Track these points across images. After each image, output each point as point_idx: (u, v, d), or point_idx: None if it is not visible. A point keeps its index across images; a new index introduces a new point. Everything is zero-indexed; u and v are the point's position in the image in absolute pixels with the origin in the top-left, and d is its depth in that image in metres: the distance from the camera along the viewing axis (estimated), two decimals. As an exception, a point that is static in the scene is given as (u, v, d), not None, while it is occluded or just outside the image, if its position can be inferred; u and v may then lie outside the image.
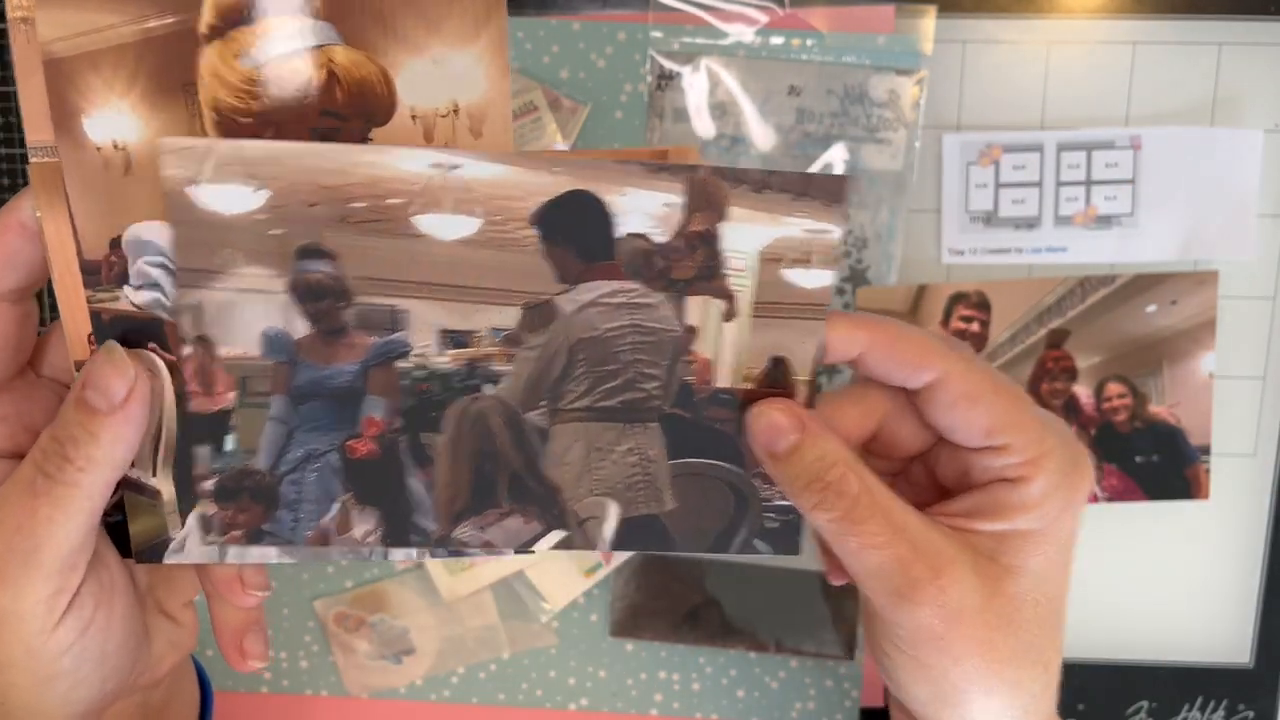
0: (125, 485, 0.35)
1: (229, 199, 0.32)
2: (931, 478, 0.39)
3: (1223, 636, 0.63)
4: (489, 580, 0.62)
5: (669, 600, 0.62)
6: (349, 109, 0.32)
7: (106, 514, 0.35)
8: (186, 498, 0.35)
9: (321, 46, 0.31)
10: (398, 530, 0.35)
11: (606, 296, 0.34)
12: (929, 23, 0.57)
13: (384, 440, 0.35)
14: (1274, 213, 0.59)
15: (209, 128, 0.32)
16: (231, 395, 0.34)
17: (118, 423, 0.32)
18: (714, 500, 0.37)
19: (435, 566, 0.61)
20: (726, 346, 0.35)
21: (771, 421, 0.34)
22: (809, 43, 0.57)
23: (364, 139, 0.32)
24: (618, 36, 0.57)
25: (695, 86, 0.58)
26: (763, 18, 0.57)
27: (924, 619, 0.34)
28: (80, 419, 0.32)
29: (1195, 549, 0.62)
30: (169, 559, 0.35)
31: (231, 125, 0.32)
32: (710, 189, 0.33)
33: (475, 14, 0.32)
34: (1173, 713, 0.64)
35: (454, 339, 0.35)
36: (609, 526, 0.36)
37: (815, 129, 0.58)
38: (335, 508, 0.35)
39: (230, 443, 0.35)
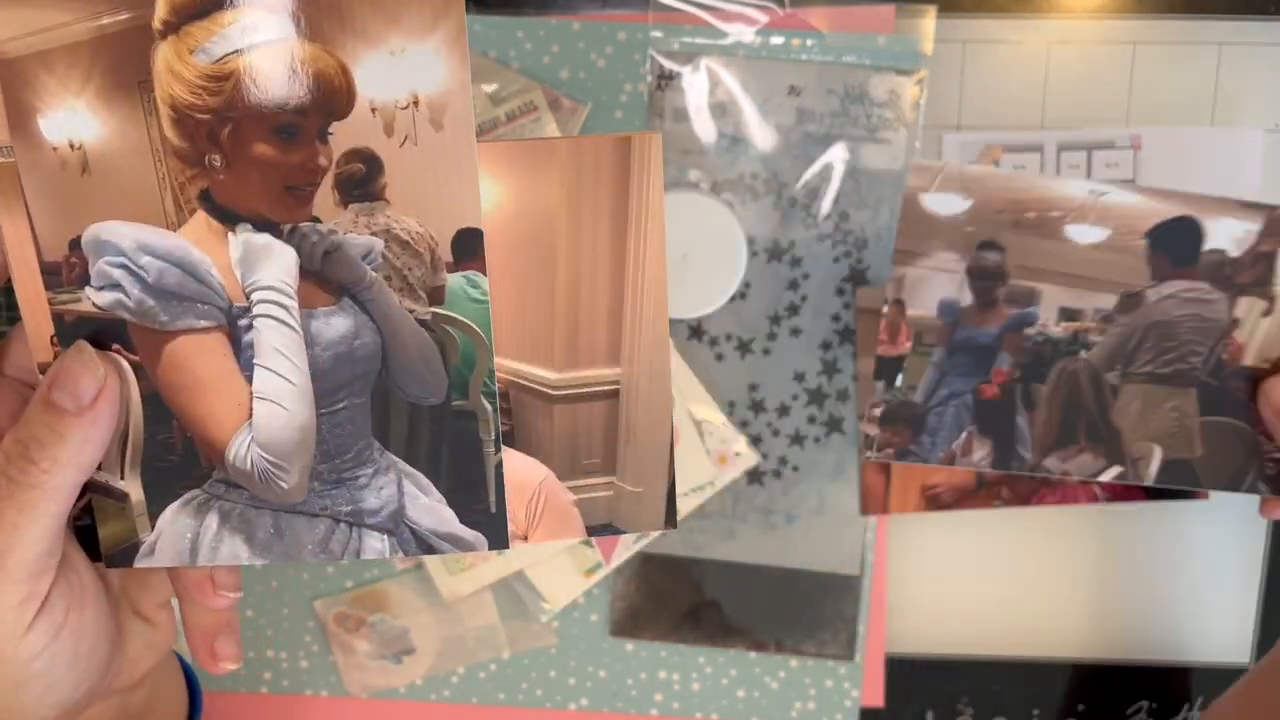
0: (93, 489, 0.34)
1: (946, 204, 0.47)
2: None
3: (1223, 636, 0.63)
4: (489, 580, 0.62)
5: (669, 600, 0.62)
6: (308, 103, 0.32)
7: (75, 517, 0.35)
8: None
9: (278, 41, 0.31)
10: (1004, 456, 0.49)
11: (1183, 291, 0.47)
12: (929, 23, 0.57)
13: (1006, 387, 0.48)
14: (1274, 213, 0.59)
15: (165, 125, 0.32)
16: (908, 345, 0.48)
17: (86, 424, 0.32)
18: (1232, 450, 0.48)
19: (435, 566, 0.61)
20: (1259, 335, 0.48)
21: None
22: (809, 43, 0.57)
23: (324, 132, 0.32)
24: (618, 36, 0.57)
25: (695, 86, 0.58)
26: (763, 18, 0.57)
27: None
28: (47, 420, 0.32)
29: (1195, 549, 0.62)
30: (139, 563, 0.35)
31: (189, 122, 0.32)
32: (1278, 221, 0.46)
33: (433, 5, 0.31)
34: (1173, 713, 0.64)
35: (1068, 314, 0.48)
36: (1154, 466, 0.48)
37: (815, 129, 0.58)
38: (962, 436, 0.48)
39: (899, 380, 0.49)
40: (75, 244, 0.32)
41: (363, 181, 0.33)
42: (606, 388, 0.36)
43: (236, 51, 0.31)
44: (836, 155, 0.58)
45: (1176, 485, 0.49)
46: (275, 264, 0.33)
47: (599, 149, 0.34)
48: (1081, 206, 0.47)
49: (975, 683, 0.64)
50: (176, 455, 0.35)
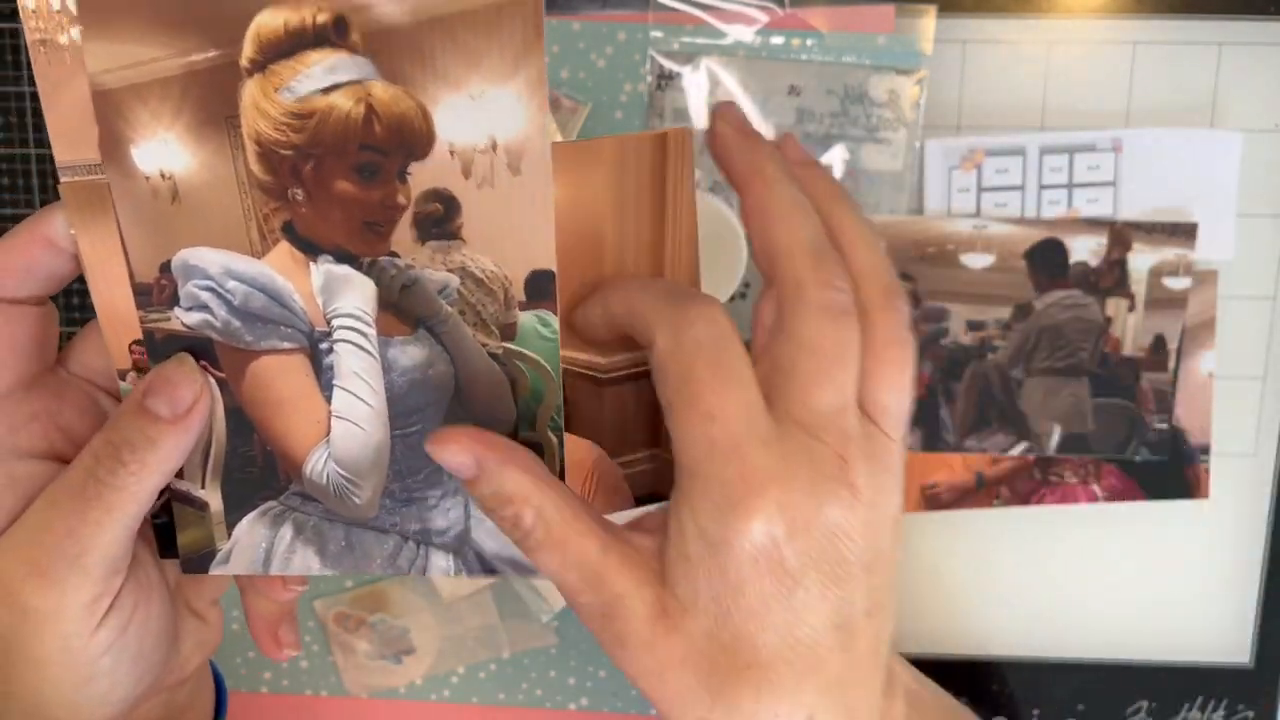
0: (175, 497, 0.36)
1: None
2: None
3: (1223, 636, 0.63)
4: (489, 580, 0.62)
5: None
6: (388, 143, 0.32)
7: (152, 514, 0.36)
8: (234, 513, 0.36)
9: (360, 81, 0.32)
10: (932, 440, 0.60)
11: (1062, 299, 0.58)
12: (929, 23, 0.57)
13: (930, 387, 0.59)
14: (1273, 213, 0.59)
15: (250, 159, 0.33)
16: None
17: (179, 431, 0.33)
18: (1118, 424, 0.60)
19: (435, 566, 0.61)
20: (1130, 328, 0.59)
21: (451, 455, 0.33)
22: (809, 43, 0.57)
23: (403, 172, 0.33)
24: (618, 36, 0.57)
25: (695, 86, 0.58)
26: (763, 18, 0.57)
27: (604, 643, 0.33)
28: (140, 424, 0.33)
29: (1195, 549, 0.62)
30: (214, 569, 0.36)
31: (273, 157, 0.33)
32: (1119, 233, 0.58)
33: (514, 50, 0.32)
34: (1173, 713, 0.64)
35: (973, 325, 0.59)
36: (1054, 440, 0.60)
37: (815, 129, 0.58)
38: None
39: None
40: (165, 267, 0.34)
41: (440, 221, 0.34)
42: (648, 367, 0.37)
43: (320, 91, 0.32)
44: (836, 156, 0.58)
45: (1074, 454, 0.60)
46: (355, 293, 0.34)
47: (640, 147, 0.36)
48: (970, 238, 0.59)
49: (976, 683, 0.64)
50: (256, 468, 0.36)
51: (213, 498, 0.36)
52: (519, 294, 0.35)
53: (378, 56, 0.32)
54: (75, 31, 0.32)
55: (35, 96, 0.59)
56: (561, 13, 0.57)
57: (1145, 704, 0.64)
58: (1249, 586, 0.63)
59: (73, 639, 0.33)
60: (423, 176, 0.33)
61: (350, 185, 0.33)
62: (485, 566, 0.37)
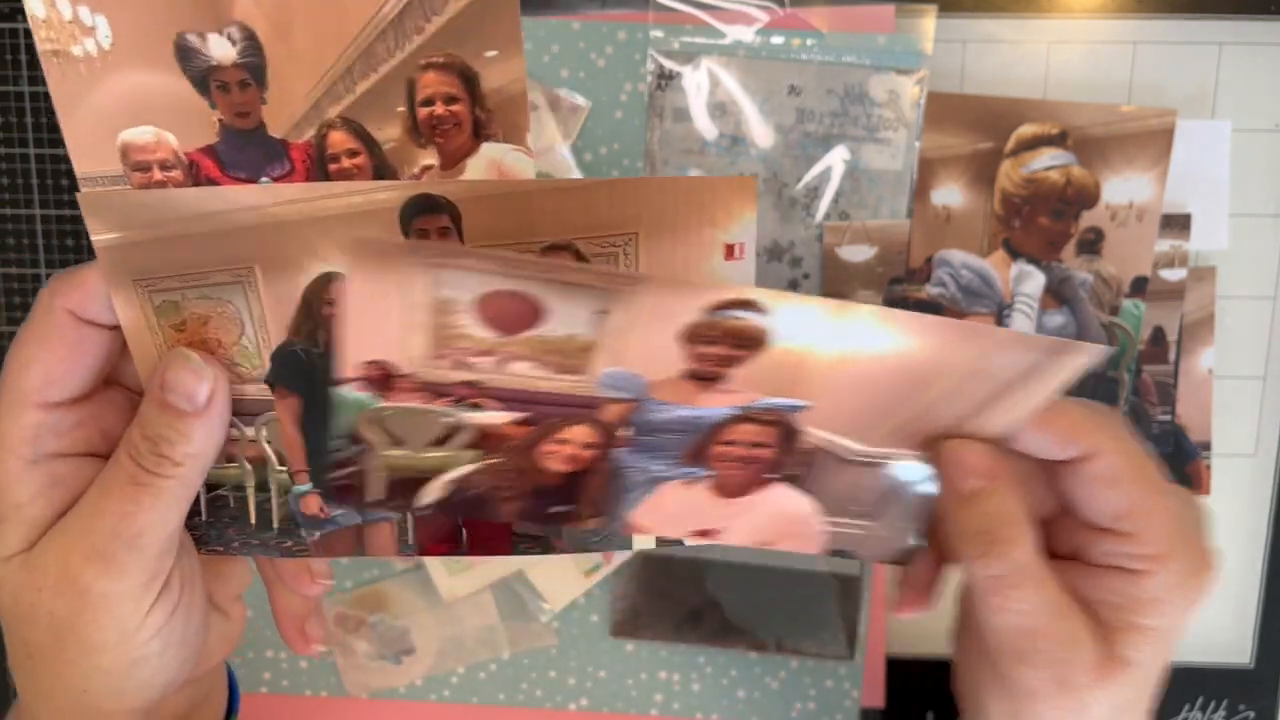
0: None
1: (857, 254, 0.60)
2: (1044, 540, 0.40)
3: (1223, 636, 0.63)
4: (489, 580, 0.62)
5: (669, 600, 0.62)
6: (1070, 200, 0.57)
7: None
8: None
9: (1065, 166, 0.57)
10: None
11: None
12: (929, 23, 0.57)
13: None
14: (1274, 212, 0.59)
15: (996, 204, 0.55)
16: None
17: (205, 421, 0.35)
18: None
19: (435, 566, 0.61)
20: None
21: (975, 458, 0.37)
22: (809, 42, 0.57)
23: (1078, 215, 0.58)
24: (618, 36, 0.57)
25: (695, 86, 0.58)
26: (763, 17, 0.57)
27: (1037, 682, 0.36)
28: (167, 419, 0.34)
29: (1195, 549, 0.62)
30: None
31: (1008, 203, 0.58)
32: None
33: (1151, 155, 0.55)
34: (1173, 713, 0.64)
35: None
36: None
37: (815, 129, 0.58)
38: None
39: None
40: (927, 260, 0.57)
41: (1092, 244, 0.58)
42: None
43: (1047, 169, 0.57)
44: (836, 156, 0.58)
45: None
46: (1032, 283, 0.57)
47: None
48: None
49: (975, 683, 0.64)
50: None
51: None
52: (1125, 289, 0.57)
53: (1078, 151, 0.56)
54: (90, 42, 0.32)
55: (35, 97, 0.59)
56: (561, 13, 0.57)
57: (1145, 704, 0.64)
58: (1249, 586, 0.63)
59: (129, 621, 0.34)
60: (1086, 219, 0.58)
61: (1047, 220, 0.57)
62: None
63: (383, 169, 0.34)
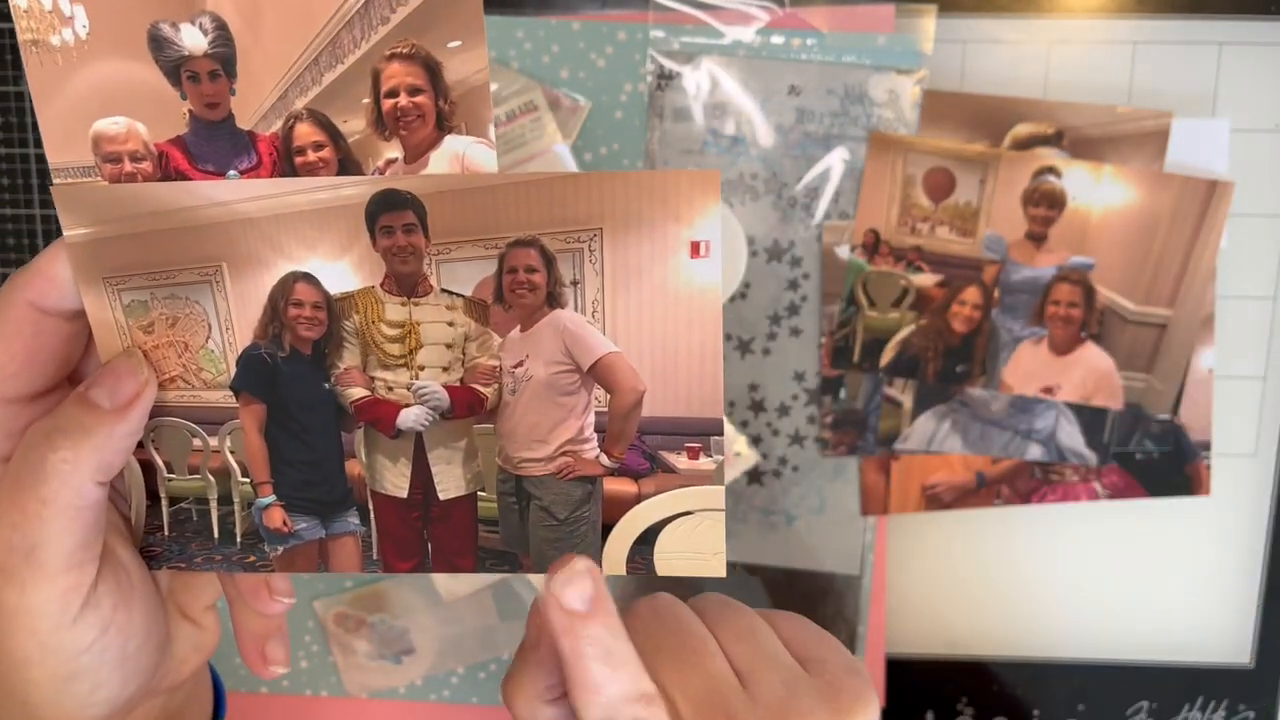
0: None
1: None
2: None
3: (1223, 636, 0.63)
4: (489, 580, 0.62)
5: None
6: None
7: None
8: None
9: None
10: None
11: None
12: (929, 23, 0.57)
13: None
14: (1274, 213, 0.59)
15: None
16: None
17: (115, 420, 0.32)
18: (1122, 416, 0.60)
19: (435, 566, 0.61)
20: None
21: None
22: (809, 43, 0.57)
23: None
24: (618, 36, 0.57)
25: (695, 86, 0.58)
26: (763, 17, 0.57)
27: None
28: (76, 413, 0.32)
29: (1196, 549, 0.62)
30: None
31: None
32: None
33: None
34: (1173, 713, 0.64)
35: None
36: None
37: (815, 129, 0.58)
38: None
39: (843, 393, 0.60)
40: None
41: None
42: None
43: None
44: (836, 156, 0.58)
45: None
46: None
47: None
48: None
49: (975, 683, 0.64)
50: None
51: (905, 398, 0.57)
52: None
53: (1074, 151, 0.56)
54: (68, 32, 0.32)
55: (35, 96, 0.59)
56: (561, 13, 0.57)
57: (1145, 704, 0.64)
58: (1249, 587, 0.63)
59: (47, 636, 0.32)
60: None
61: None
62: (1062, 456, 0.59)
63: (348, 162, 0.34)
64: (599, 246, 0.34)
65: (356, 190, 0.33)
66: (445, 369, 0.35)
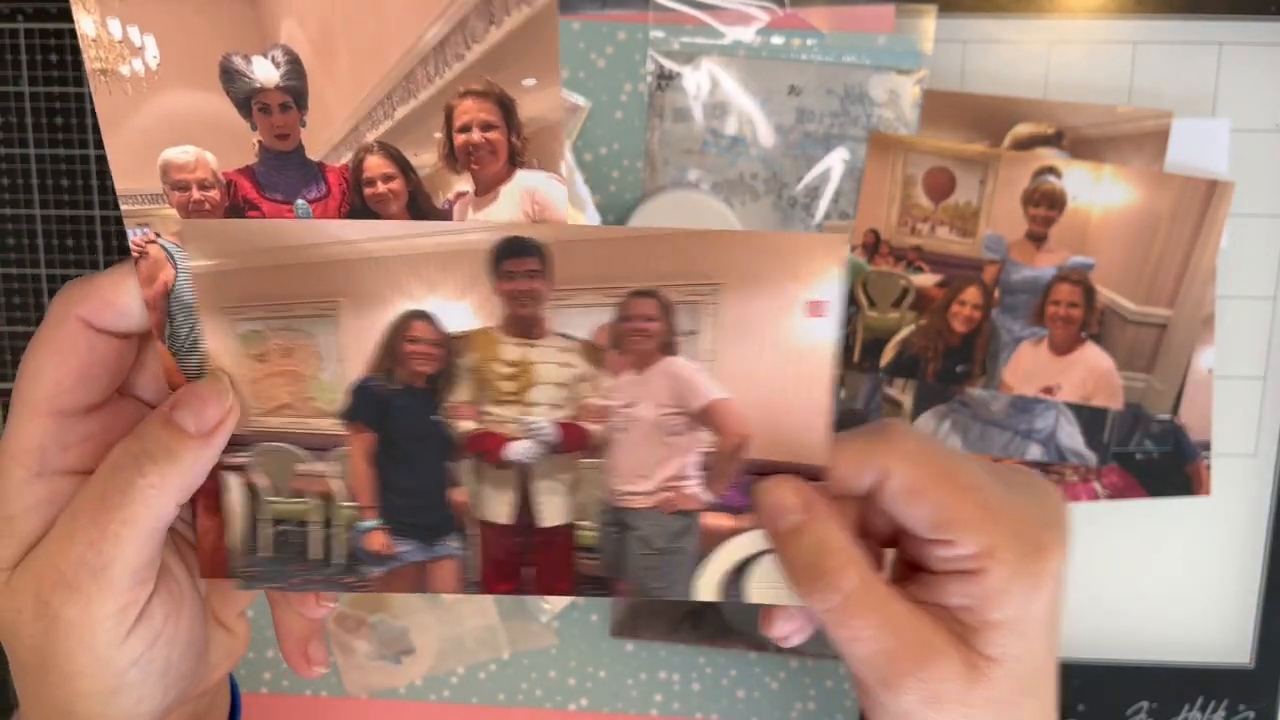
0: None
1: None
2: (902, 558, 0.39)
3: (1223, 636, 0.63)
4: (489, 580, 0.62)
5: (669, 600, 0.62)
6: None
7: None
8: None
9: None
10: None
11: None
12: (929, 23, 0.57)
13: None
14: (1274, 213, 0.59)
15: None
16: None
17: (199, 446, 0.33)
18: (1122, 415, 0.60)
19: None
20: None
21: (782, 496, 0.36)
22: (809, 43, 0.57)
23: None
24: (618, 36, 0.57)
25: (695, 86, 0.58)
26: (763, 17, 0.57)
27: (909, 704, 0.35)
28: (163, 437, 0.33)
29: (1196, 549, 0.62)
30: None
31: None
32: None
33: None
34: (1173, 713, 0.64)
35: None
36: None
37: (815, 129, 0.58)
38: None
39: (842, 394, 0.59)
40: None
41: None
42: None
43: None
44: (836, 156, 0.58)
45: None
46: None
47: None
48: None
49: (975, 683, 0.64)
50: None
51: (905, 398, 0.57)
52: None
53: (1074, 151, 0.56)
54: (138, 62, 0.32)
55: (35, 97, 0.59)
56: (562, 13, 0.57)
57: (1145, 704, 0.64)
58: (1249, 586, 0.63)
59: (103, 650, 0.33)
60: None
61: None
62: (1062, 456, 0.58)
63: (418, 194, 0.35)
64: (717, 300, 0.35)
65: (483, 235, 0.34)
66: (556, 406, 0.36)
